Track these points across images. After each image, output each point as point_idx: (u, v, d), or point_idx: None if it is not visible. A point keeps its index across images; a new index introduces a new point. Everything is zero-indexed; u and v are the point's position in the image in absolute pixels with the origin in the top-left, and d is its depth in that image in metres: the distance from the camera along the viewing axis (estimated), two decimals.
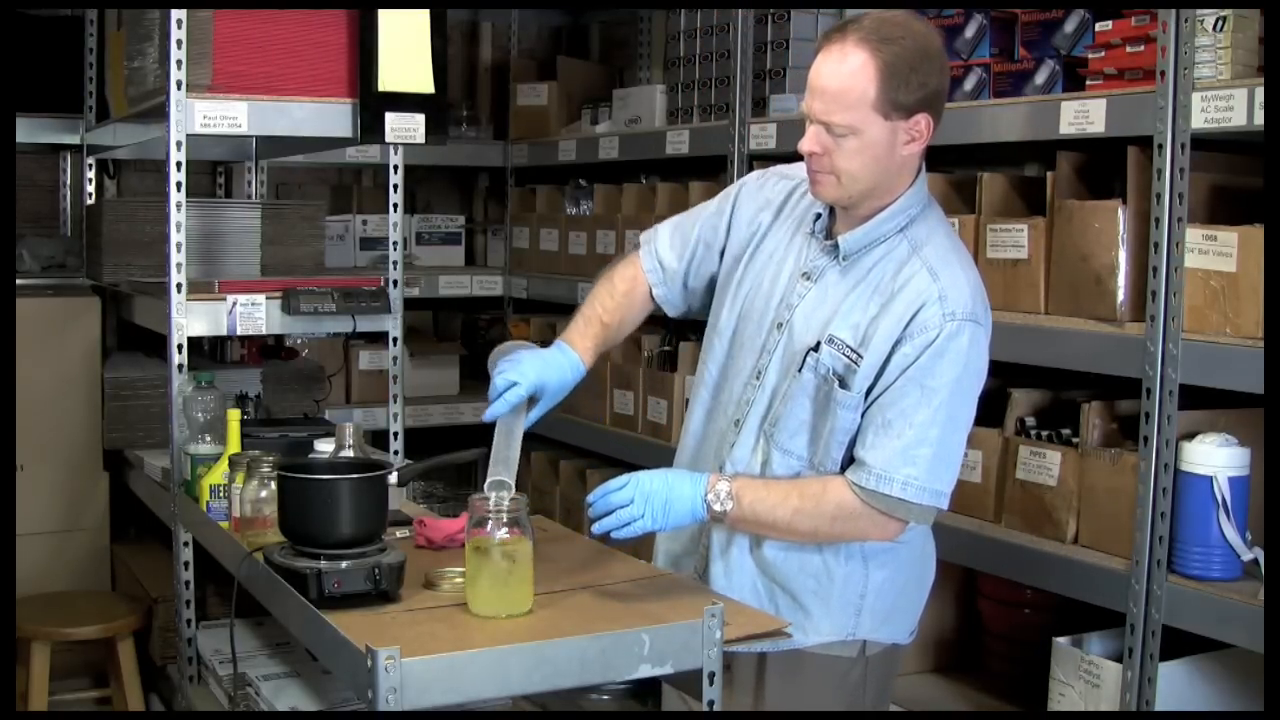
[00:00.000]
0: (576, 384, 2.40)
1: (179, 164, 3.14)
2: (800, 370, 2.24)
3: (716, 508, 2.19)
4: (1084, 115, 2.71)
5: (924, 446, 2.14)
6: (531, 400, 2.33)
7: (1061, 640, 2.79)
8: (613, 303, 2.49)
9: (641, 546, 2.67)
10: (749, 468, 2.30)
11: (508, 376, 2.31)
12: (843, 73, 2.11)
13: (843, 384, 2.20)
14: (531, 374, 2.31)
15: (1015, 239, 2.89)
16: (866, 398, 2.19)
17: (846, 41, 2.12)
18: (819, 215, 2.31)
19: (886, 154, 2.16)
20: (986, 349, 2.22)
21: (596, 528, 2.19)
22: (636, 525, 2.17)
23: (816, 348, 2.22)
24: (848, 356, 2.19)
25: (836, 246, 2.26)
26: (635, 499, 2.16)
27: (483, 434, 5.11)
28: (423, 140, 3.32)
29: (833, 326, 2.22)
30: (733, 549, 2.33)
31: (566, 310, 4.75)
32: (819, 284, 2.27)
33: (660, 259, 2.50)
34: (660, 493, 2.17)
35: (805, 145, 2.19)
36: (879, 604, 2.30)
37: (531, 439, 4.67)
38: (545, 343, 5.13)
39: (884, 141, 2.15)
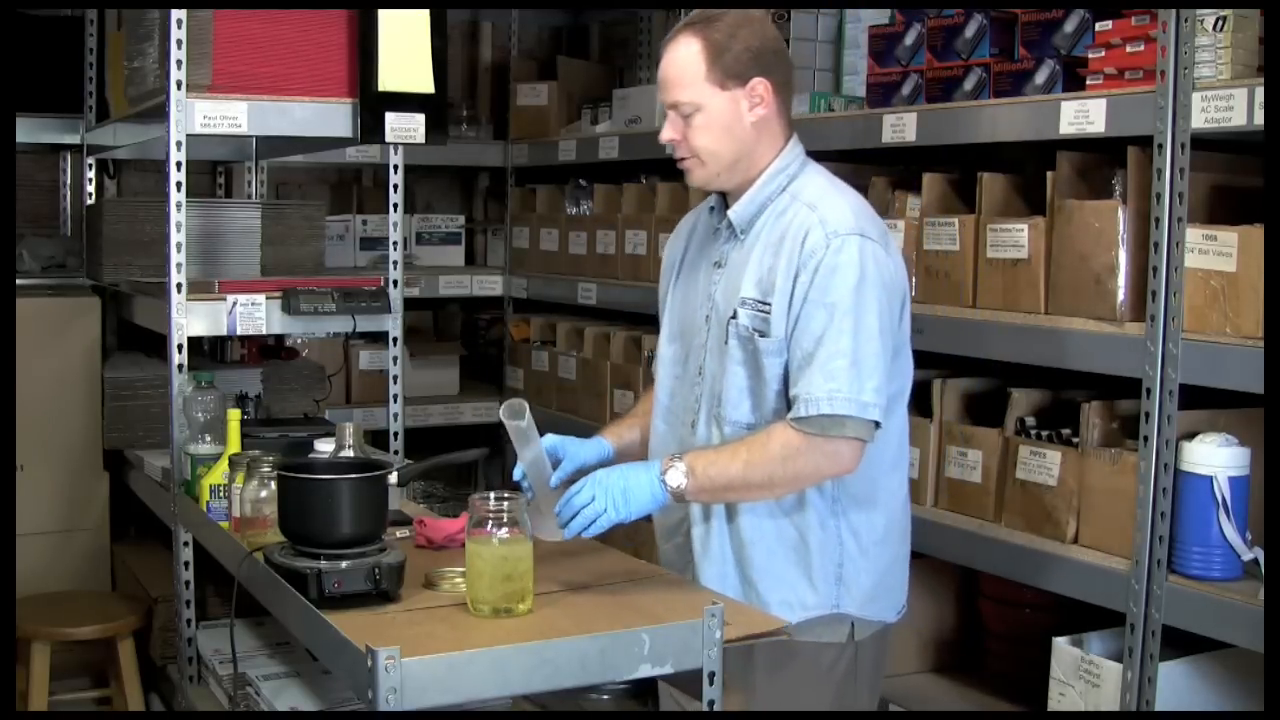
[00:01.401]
0: (605, 460, 2.48)
1: (179, 164, 3.14)
2: (726, 342, 2.35)
3: (673, 484, 2.25)
4: (1084, 115, 2.71)
5: (838, 359, 2.22)
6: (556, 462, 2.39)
7: (1061, 640, 2.79)
8: (641, 402, 2.69)
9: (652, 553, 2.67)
10: None
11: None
12: (675, 58, 2.34)
13: (763, 335, 2.30)
14: (553, 437, 2.41)
15: (1015, 239, 2.89)
16: (789, 343, 2.28)
17: (677, 34, 2.36)
18: (712, 209, 2.48)
19: (735, 122, 2.33)
20: (887, 260, 2.29)
21: (566, 532, 2.26)
22: (602, 519, 2.23)
23: (735, 315, 2.33)
24: (759, 310, 2.30)
25: (731, 224, 2.39)
26: (596, 496, 2.22)
27: (482, 434, 5.11)
28: (423, 140, 3.32)
29: (742, 290, 2.34)
30: (712, 541, 2.39)
31: (566, 310, 4.79)
32: (728, 265, 2.40)
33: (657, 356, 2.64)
34: (617, 484, 2.24)
35: (663, 135, 2.39)
36: (859, 578, 2.34)
37: None
38: (545, 341, 5.13)
39: (728, 111, 2.32)
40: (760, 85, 2.32)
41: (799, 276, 2.25)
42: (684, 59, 2.32)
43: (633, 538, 3.08)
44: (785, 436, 2.23)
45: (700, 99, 2.31)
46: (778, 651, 2.30)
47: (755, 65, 2.32)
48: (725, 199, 2.44)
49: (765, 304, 2.29)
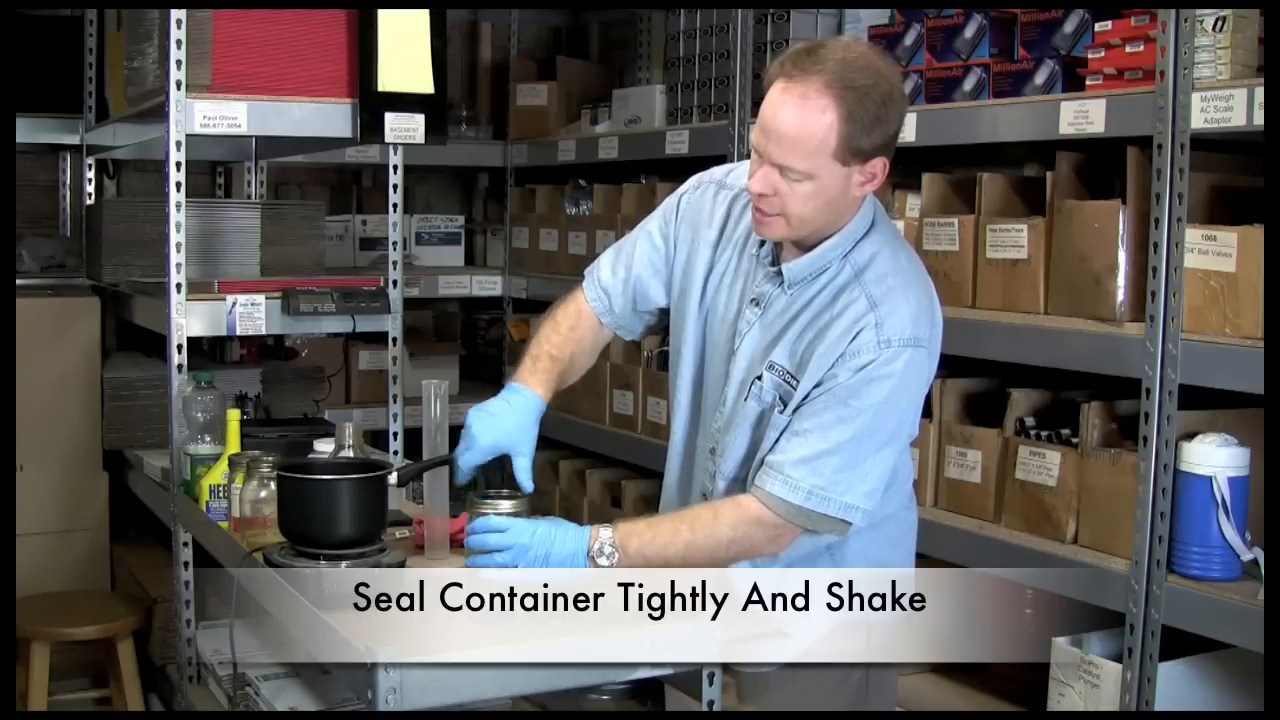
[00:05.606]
0: (541, 418, 2.34)
1: (179, 164, 3.14)
2: (745, 399, 2.22)
3: (601, 561, 2.14)
4: (1084, 115, 2.71)
5: (833, 458, 2.10)
6: (508, 461, 2.28)
7: (1061, 640, 2.79)
8: (559, 338, 2.41)
9: None
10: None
11: (468, 458, 2.28)
12: (803, 118, 2.04)
13: (781, 409, 2.18)
14: (484, 439, 2.27)
15: (1015, 239, 2.89)
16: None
17: (809, 84, 2.03)
18: (764, 240, 2.25)
19: (840, 197, 2.11)
20: (927, 366, 2.17)
21: (468, 561, 2.15)
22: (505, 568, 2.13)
23: (760, 376, 2.20)
24: (786, 381, 2.17)
25: (780, 273, 2.21)
26: (513, 547, 2.12)
27: None
28: (422, 140, 3.32)
29: (774, 353, 2.19)
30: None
31: None
32: (766, 311, 2.23)
33: (604, 287, 2.44)
34: (540, 549, 2.13)
35: (755, 186, 2.11)
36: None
37: None
38: None
39: (839, 186, 2.09)
40: (879, 164, 2.10)
41: (836, 367, 2.11)
42: (812, 123, 2.03)
43: None
44: (737, 517, 2.13)
45: (817, 171, 2.06)
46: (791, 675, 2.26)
47: (884, 146, 2.08)
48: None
49: (794, 378, 2.16)
